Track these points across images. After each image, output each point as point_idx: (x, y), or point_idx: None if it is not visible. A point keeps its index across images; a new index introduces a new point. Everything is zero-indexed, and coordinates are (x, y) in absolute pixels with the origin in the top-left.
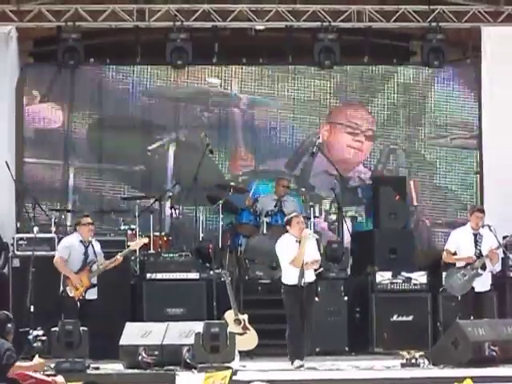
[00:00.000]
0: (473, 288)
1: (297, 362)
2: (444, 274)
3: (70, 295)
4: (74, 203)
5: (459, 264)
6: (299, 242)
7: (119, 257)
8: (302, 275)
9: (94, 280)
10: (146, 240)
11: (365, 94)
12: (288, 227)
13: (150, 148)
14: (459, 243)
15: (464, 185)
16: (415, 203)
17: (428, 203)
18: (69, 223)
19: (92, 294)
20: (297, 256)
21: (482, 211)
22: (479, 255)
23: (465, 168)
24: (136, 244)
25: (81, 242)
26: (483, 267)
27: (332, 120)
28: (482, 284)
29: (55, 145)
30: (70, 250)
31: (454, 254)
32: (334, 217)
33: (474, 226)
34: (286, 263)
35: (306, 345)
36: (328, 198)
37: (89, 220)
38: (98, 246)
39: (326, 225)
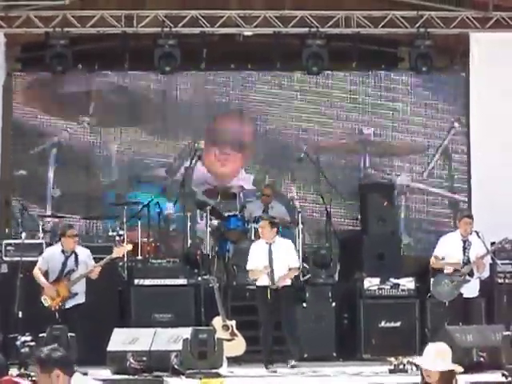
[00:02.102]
0: (461, 294)
1: (270, 367)
2: (432, 280)
3: (46, 305)
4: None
5: (447, 270)
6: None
7: (98, 266)
8: (272, 276)
9: (76, 289)
10: (129, 247)
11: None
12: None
13: (31, 152)
14: (448, 249)
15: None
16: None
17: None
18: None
19: (73, 301)
20: (255, 272)
21: (471, 217)
22: (467, 262)
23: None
24: (118, 251)
25: (62, 251)
26: (471, 274)
27: (208, 132)
28: (470, 290)
29: None
30: (48, 260)
31: (442, 259)
32: None
33: (463, 233)
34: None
35: (293, 350)
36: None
37: (74, 232)
38: (84, 255)
39: None
